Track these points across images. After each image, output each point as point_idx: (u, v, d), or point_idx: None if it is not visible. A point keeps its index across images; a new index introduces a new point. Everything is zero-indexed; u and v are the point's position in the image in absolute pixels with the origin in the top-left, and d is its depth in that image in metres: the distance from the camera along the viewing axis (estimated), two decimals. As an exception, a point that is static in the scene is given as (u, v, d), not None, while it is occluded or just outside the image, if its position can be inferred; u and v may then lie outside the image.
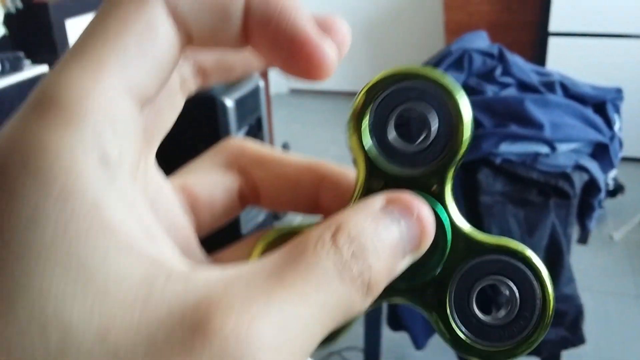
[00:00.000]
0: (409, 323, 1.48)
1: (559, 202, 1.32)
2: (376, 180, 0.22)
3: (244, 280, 0.16)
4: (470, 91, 1.45)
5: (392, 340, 1.71)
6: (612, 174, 1.51)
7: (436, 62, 1.54)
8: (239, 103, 1.83)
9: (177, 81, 0.23)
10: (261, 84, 1.83)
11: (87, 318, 0.15)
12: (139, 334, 0.15)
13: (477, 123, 1.37)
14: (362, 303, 0.18)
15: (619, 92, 1.50)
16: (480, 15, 3.09)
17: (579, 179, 1.33)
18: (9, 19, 1.18)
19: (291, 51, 0.19)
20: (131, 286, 0.15)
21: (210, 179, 0.25)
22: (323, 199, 0.25)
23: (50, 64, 1.20)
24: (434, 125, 0.22)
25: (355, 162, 0.23)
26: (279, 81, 3.64)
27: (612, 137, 1.41)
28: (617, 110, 1.48)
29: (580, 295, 1.37)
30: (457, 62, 1.51)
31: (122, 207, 0.16)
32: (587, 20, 2.77)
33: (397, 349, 1.79)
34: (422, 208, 0.20)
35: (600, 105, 1.46)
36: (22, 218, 0.15)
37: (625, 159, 2.05)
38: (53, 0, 1.24)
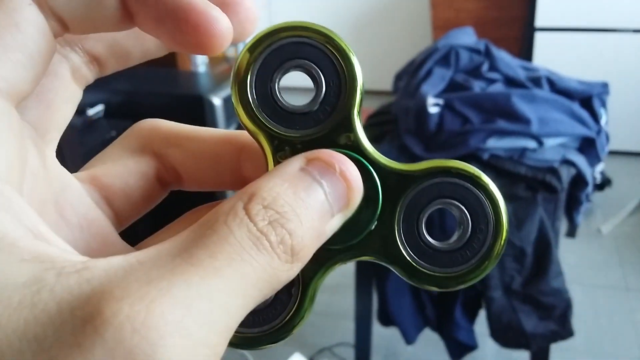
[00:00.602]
0: (399, 318, 1.49)
1: (547, 197, 1.33)
2: (283, 150, 0.21)
3: (147, 263, 0.15)
4: (457, 87, 1.46)
5: (383, 335, 1.72)
6: (600, 167, 1.52)
7: (423, 58, 1.55)
8: (227, 101, 1.83)
9: (67, 71, 0.21)
10: (249, 82, 1.82)
11: None
12: (25, 338, 0.14)
13: (464, 119, 1.37)
14: (288, 271, 0.17)
15: (605, 86, 1.51)
16: (467, 12, 3.10)
17: (566, 173, 1.34)
18: None
19: (177, 23, 0.18)
20: (16, 288, 0.14)
21: (121, 166, 0.23)
22: (247, 171, 0.23)
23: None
24: (323, 77, 0.21)
25: (254, 138, 0.21)
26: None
27: (599, 131, 1.42)
28: (604, 104, 1.49)
29: (569, 289, 1.38)
30: (444, 58, 1.52)
31: None
32: (573, 15, 2.78)
33: (388, 344, 1.79)
34: (344, 163, 0.19)
35: (587, 99, 1.46)
36: None
37: (613, 153, 2.06)
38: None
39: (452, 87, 1.46)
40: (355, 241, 0.21)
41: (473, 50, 1.54)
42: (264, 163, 0.21)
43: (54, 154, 0.21)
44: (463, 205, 0.21)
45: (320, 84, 0.21)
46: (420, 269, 0.21)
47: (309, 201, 0.18)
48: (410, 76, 1.55)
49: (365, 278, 1.54)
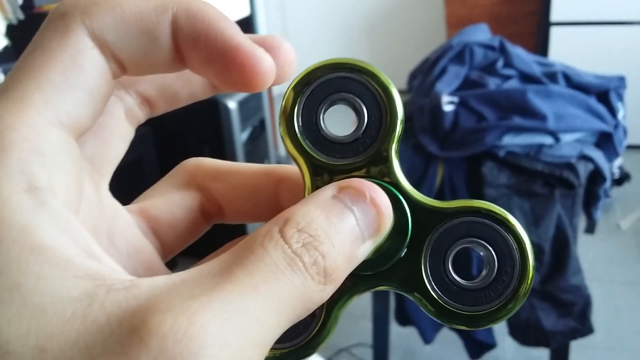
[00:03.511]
0: (416, 318, 1.48)
1: (565, 193, 1.32)
2: (321, 176, 0.22)
3: (189, 281, 0.16)
4: (472, 84, 1.45)
5: (401, 335, 1.71)
6: (618, 162, 1.50)
7: (437, 56, 1.54)
8: (242, 105, 1.84)
9: (121, 111, 0.23)
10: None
11: (23, 339, 0.15)
12: (76, 346, 0.15)
13: (480, 116, 1.36)
14: (321, 292, 0.18)
15: (621, 80, 1.49)
16: (481, 8, 3.08)
17: (584, 169, 1.33)
18: (11, 30, 1.19)
19: (225, 63, 0.20)
20: (70, 302, 0.15)
21: (169, 199, 0.25)
22: (283, 202, 0.25)
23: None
24: (366, 111, 0.22)
25: (296, 163, 0.23)
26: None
27: (616, 125, 1.41)
28: (621, 98, 1.48)
29: (589, 285, 1.37)
30: (459, 55, 1.51)
31: (54, 229, 0.16)
32: (588, 8, 2.76)
33: (406, 344, 1.79)
34: (375, 191, 0.20)
35: (604, 94, 1.45)
36: None
37: (631, 147, 2.04)
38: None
39: (467, 84, 1.45)
40: (384, 268, 0.22)
41: (487, 46, 1.53)
42: (302, 188, 0.23)
43: (107, 186, 0.23)
44: (490, 246, 0.22)
45: (362, 117, 0.22)
46: (444, 304, 0.22)
47: (341, 226, 0.19)
48: (425, 74, 1.55)
49: (383, 277, 1.53)
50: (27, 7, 1.22)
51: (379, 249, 0.21)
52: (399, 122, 0.22)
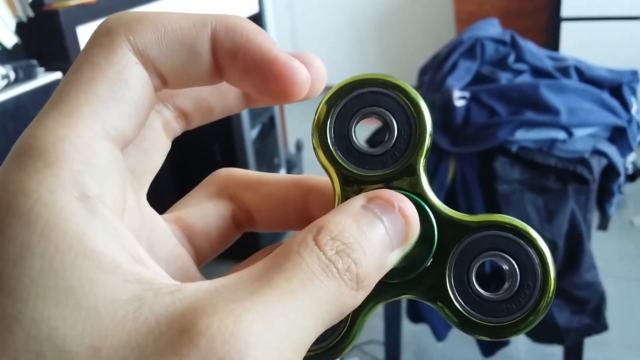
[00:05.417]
0: (428, 315, 1.47)
1: (578, 188, 1.31)
2: (351, 186, 0.23)
3: (231, 286, 0.17)
4: (483, 79, 1.44)
5: (413, 332, 1.71)
6: (631, 157, 1.49)
7: (448, 51, 1.53)
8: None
9: (160, 124, 0.24)
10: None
11: (78, 339, 0.16)
12: (129, 346, 0.16)
13: (492, 111, 1.35)
14: (354, 297, 0.19)
15: (635, 74, 1.48)
16: (490, 4, 3.07)
17: (597, 164, 1.32)
18: (20, 27, 1.19)
19: (263, 75, 0.21)
20: (121, 304, 0.16)
21: (202, 208, 0.27)
22: (313, 211, 0.26)
23: (63, 71, 1.21)
24: (396, 125, 0.23)
25: (327, 173, 0.24)
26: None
27: (630, 120, 1.39)
28: (634, 92, 1.46)
29: (603, 282, 1.35)
30: (469, 50, 1.50)
31: (105, 235, 0.17)
32: (599, 3, 2.74)
33: (418, 341, 1.78)
34: (403, 201, 0.21)
35: (617, 88, 1.43)
36: (10, 257, 0.16)
37: (644, 143, 2.01)
38: (63, 8, 1.25)
39: (478, 79, 1.44)
40: (410, 277, 0.23)
41: (498, 41, 1.52)
42: (330, 197, 0.24)
43: (145, 196, 0.24)
44: (513, 259, 0.22)
45: (392, 130, 0.23)
46: (466, 314, 0.23)
47: (371, 235, 0.20)
48: (435, 70, 1.54)
49: (394, 274, 1.53)
50: (36, 4, 1.23)
51: (405, 258, 0.22)
52: (427, 136, 0.23)
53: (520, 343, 1.65)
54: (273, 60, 0.20)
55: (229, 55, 0.21)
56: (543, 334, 1.38)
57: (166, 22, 0.20)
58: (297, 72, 0.21)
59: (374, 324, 1.74)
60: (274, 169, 2.25)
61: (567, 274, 1.33)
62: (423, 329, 1.58)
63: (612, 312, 1.39)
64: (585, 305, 1.34)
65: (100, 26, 0.20)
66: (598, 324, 1.35)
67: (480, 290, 0.23)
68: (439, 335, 1.50)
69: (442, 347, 1.69)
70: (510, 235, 0.22)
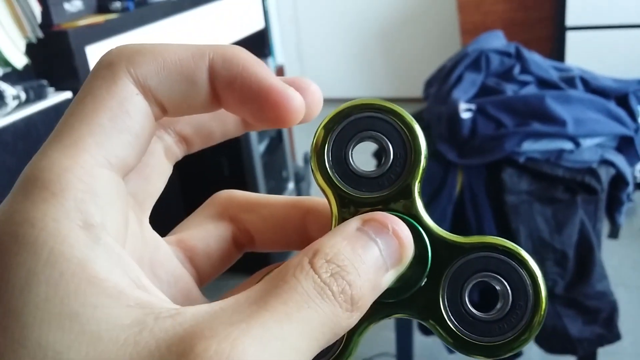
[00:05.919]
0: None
1: (587, 198, 1.31)
2: (348, 208, 0.24)
3: (229, 310, 0.18)
4: (489, 91, 1.44)
5: (424, 345, 1.70)
6: (639, 166, 1.48)
7: (453, 64, 1.54)
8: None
9: (161, 150, 0.25)
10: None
11: None
12: None
13: (498, 123, 1.36)
14: (348, 318, 0.20)
15: (641, 83, 1.48)
16: (495, 15, 3.07)
17: (605, 174, 1.32)
18: (30, 48, 1.20)
19: (259, 103, 0.21)
20: (123, 329, 0.17)
21: (204, 230, 0.27)
22: (311, 232, 0.27)
23: (73, 90, 1.22)
24: (392, 149, 0.24)
25: (325, 195, 0.24)
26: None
27: (637, 129, 1.39)
28: (641, 101, 1.46)
29: (614, 291, 1.35)
30: (474, 63, 1.51)
31: (107, 262, 0.18)
32: (604, 12, 2.74)
33: (429, 353, 1.77)
34: (397, 224, 0.22)
35: (623, 97, 1.44)
36: (16, 284, 0.17)
37: (652, 150, 2.01)
38: (72, 28, 1.26)
39: (484, 91, 1.45)
40: (404, 296, 0.23)
41: (503, 53, 1.53)
42: (328, 218, 0.24)
43: (148, 220, 0.25)
44: (505, 280, 0.23)
45: (388, 154, 0.24)
46: (459, 334, 0.23)
47: (366, 257, 0.20)
48: (441, 82, 1.54)
49: (404, 287, 1.53)
50: (46, 25, 1.24)
51: (400, 279, 0.22)
52: (422, 158, 0.23)
53: (532, 354, 1.64)
54: (268, 89, 0.21)
55: (226, 85, 0.21)
56: (556, 345, 1.37)
57: (165, 54, 0.21)
58: (292, 99, 0.21)
59: (386, 336, 1.73)
60: (282, 182, 2.26)
61: (578, 284, 1.32)
62: (435, 341, 1.57)
63: (625, 321, 1.38)
64: (597, 315, 1.34)
65: (102, 58, 0.21)
66: (610, 334, 1.34)
67: (473, 310, 0.23)
68: (451, 347, 1.49)
69: (454, 358, 1.68)
70: (502, 256, 0.23)
